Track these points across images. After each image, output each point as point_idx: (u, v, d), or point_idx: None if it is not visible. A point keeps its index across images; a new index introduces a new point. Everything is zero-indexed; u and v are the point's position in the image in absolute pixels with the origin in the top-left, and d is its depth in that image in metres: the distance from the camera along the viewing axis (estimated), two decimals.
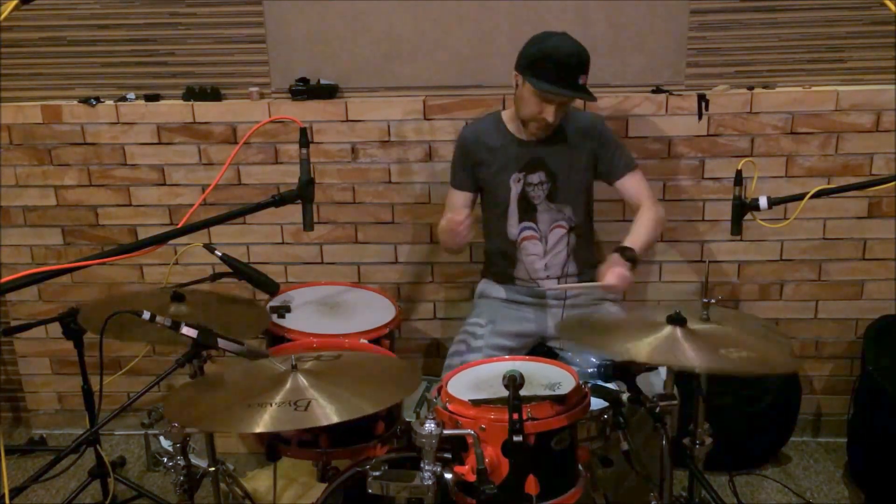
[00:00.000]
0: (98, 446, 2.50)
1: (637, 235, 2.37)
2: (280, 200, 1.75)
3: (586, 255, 2.56)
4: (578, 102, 2.50)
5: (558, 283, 2.51)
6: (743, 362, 1.67)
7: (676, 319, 1.76)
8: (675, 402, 1.78)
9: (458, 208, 2.46)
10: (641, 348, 1.71)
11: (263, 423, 1.51)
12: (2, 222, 3.00)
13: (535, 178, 2.44)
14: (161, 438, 1.98)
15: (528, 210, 2.47)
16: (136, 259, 2.96)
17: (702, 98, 2.72)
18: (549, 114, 2.30)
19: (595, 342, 1.86)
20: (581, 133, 2.45)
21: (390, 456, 1.77)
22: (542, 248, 2.49)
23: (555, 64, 2.24)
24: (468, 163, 2.49)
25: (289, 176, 2.88)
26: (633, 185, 2.47)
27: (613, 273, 2.20)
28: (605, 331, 1.97)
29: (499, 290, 2.57)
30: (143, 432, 2.06)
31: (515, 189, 2.46)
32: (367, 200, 2.92)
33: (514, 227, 2.50)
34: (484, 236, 2.65)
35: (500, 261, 2.56)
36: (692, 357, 1.67)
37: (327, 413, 1.54)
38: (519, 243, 2.50)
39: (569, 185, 2.46)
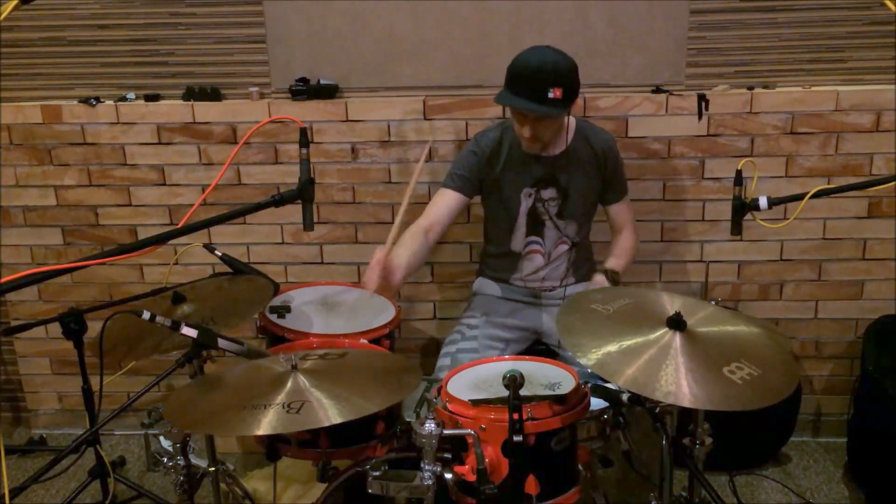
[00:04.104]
0: (98, 446, 2.50)
1: (620, 259, 2.50)
2: (280, 200, 1.75)
3: (584, 268, 2.58)
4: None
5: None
6: (746, 385, 1.57)
7: (676, 323, 1.69)
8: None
9: (439, 212, 2.40)
10: (629, 369, 1.57)
11: (260, 426, 1.51)
12: (2, 222, 3.00)
13: (547, 194, 2.43)
14: (161, 438, 1.98)
15: (535, 225, 2.46)
16: (136, 259, 2.96)
17: (702, 98, 2.72)
18: (525, 130, 2.27)
19: (585, 348, 1.66)
20: (596, 153, 2.43)
21: (390, 456, 1.77)
22: (544, 262, 2.50)
23: (521, 77, 2.21)
24: (480, 171, 2.42)
25: (289, 176, 2.88)
26: (622, 211, 2.56)
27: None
28: (598, 332, 1.77)
29: (495, 288, 2.57)
30: (143, 432, 2.05)
31: (526, 204, 2.44)
32: (367, 200, 2.92)
33: (519, 240, 2.48)
34: (484, 240, 2.64)
35: (498, 265, 2.56)
36: (684, 390, 1.53)
37: (323, 415, 1.53)
38: (522, 255, 2.50)
39: (578, 203, 2.45)
